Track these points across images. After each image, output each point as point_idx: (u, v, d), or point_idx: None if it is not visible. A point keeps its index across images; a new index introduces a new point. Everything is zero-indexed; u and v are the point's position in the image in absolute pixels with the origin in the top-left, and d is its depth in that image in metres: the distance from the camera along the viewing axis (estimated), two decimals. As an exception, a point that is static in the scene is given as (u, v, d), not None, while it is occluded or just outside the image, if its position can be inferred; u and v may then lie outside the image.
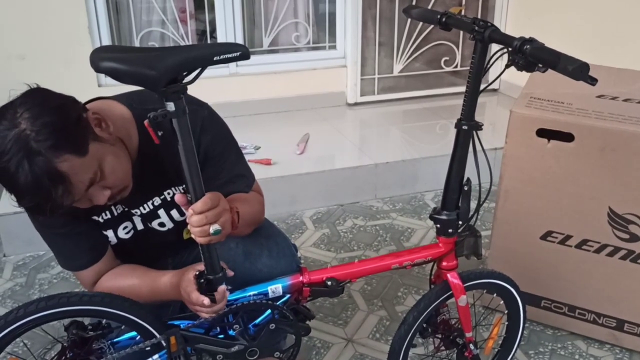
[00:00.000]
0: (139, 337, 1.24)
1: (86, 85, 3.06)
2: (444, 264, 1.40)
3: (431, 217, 1.38)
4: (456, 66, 3.71)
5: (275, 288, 1.28)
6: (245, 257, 1.35)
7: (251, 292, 1.26)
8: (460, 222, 1.35)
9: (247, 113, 3.36)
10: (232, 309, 1.23)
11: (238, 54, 1.05)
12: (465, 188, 1.32)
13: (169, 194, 1.36)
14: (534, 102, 1.76)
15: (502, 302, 1.56)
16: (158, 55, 1.02)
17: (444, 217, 1.35)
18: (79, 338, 1.21)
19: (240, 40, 3.31)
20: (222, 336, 1.26)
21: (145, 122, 1.06)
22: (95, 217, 1.31)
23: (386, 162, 2.77)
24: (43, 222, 1.26)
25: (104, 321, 1.24)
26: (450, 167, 1.33)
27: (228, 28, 3.27)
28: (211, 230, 1.07)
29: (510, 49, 1.14)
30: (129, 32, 3.21)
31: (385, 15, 3.47)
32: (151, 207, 1.34)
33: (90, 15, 3.02)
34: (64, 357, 1.21)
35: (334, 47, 3.53)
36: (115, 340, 1.25)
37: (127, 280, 1.32)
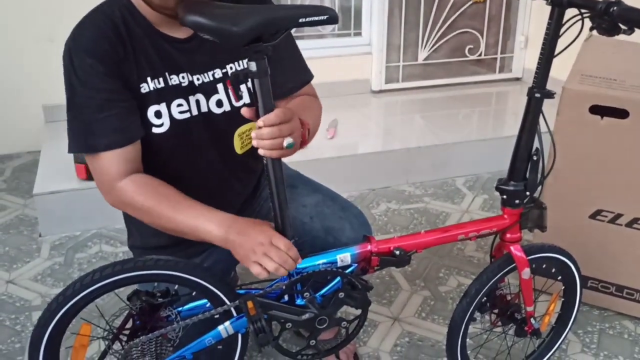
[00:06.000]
0: (207, 305, 1.23)
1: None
2: (508, 236, 1.39)
3: (497, 188, 1.36)
4: (480, 54, 3.70)
5: (344, 257, 1.26)
6: (326, 233, 1.33)
7: (320, 260, 1.25)
8: (527, 193, 1.34)
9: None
10: (304, 277, 1.21)
11: (325, 17, 1.03)
12: (535, 158, 1.31)
13: (231, 68, 1.26)
14: (586, 79, 1.75)
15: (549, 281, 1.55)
16: (243, 13, 1.01)
17: (511, 187, 1.34)
18: (147, 305, 1.20)
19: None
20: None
21: (227, 81, 1.05)
22: (145, 86, 1.18)
23: (418, 147, 2.75)
24: (87, 82, 1.12)
25: (172, 289, 1.22)
26: (520, 136, 1.32)
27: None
28: (285, 144, 1.03)
29: (593, 12, 1.12)
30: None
31: (412, 3, 3.45)
32: (211, 77, 1.24)
33: None
34: (131, 324, 1.20)
35: (359, 34, 3.51)
36: (181, 308, 1.24)
37: (169, 189, 1.16)
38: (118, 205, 1.22)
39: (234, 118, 1.23)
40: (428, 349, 1.74)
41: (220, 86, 1.26)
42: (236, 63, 1.28)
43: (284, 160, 1.13)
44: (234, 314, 1.22)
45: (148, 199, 1.15)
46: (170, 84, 1.21)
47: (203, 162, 1.30)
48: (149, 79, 1.18)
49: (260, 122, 1.03)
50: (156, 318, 1.20)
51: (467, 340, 1.46)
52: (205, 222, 1.14)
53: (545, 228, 1.40)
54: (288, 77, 1.34)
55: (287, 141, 1.04)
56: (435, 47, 3.59)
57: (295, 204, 1.38)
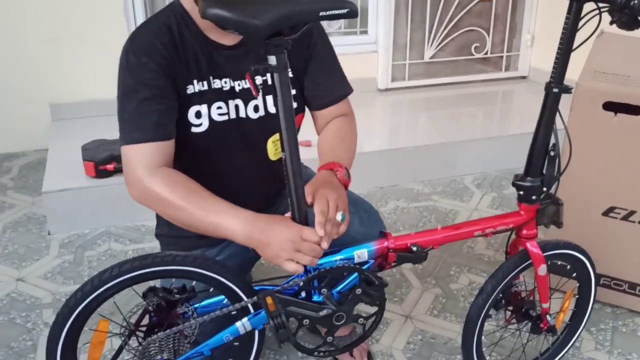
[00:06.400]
0: (224, 302, 1.22)
1: (120, 67, 3.04)
2: (524, 232, 1.38)
3: (514, 184, 1.36)
4: (486, 53, 3.69)
5: (361, 253, 1.26)
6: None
7: (337, 257, 1.24)
8: (544, 189, 1.33)
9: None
10: (321, 273, 1.21)
11: (346, 11, 1.03)
12: (552, 153, 1.30)
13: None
14: (600, 75, 1.75)
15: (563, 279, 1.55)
16: (264, 6, 1.00)
17: (527, 183, 1.33)
18: (164, 301, 1.20)
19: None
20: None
21: (247, 74, 1.05)
22: (191, 88, 1.25)
23: (426, 145, 2.75)
24: (139, 78, 1.19)
25: (189, 285, 1.22)
26: (537, 131, 1.31)
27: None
28: (339, 219, 1.16)
29: (612, 6, 1.12)
30: (162, 14, 3.18)
31: (418, 1, 3.45)
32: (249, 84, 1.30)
33: (127, -2, 3.00)
34: (148, 321, 1.20)
35: (365, 33, 3.50)
36: (197, 305, 1.23)
37: (196, 185, 1.19)
38: (143, 198, 1.22)
39: (269, 124, 1.33)
40: (441, 346, 1.73)
41: (259, 93, 1.34)
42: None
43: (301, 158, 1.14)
44: (251, 310, 1.21)
45: (174, 192, 1.16)
46: (212, 87, 1.28)
47: (235, 163, 1.35)
48: (195, 81, 1.26)
49: (318, 225, 1.13)
50: (173, 315, 1.20)
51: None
52: (229, 219, 1.15)
53: (561, 224, 1.39)
54: (328, 90, 1.40)
55: (340, 216, 1.17)
56: (441, 45, 3.58)
57: None
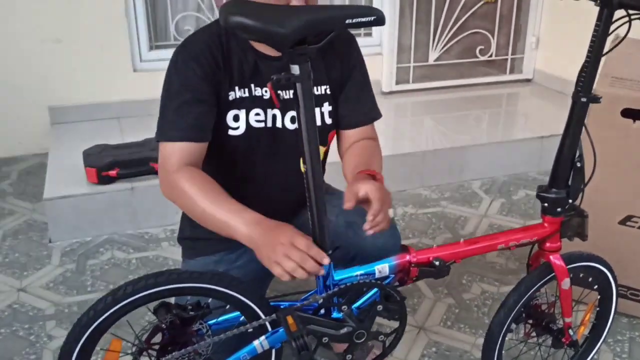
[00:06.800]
0: (241, 319, 1.17)
1: (122, 70, 3.00)
2: (548, 245, 1.34)
3: (538, 196, 1.32)
4: (491, 55, 3.66)
5: (382, 268, 1.21)
6: (347, 227, 1.34)
7: (358, 272, 1.20)
8: (570, 201, 1.29)
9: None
10: (342, 289, 1.16)
11: (373, 18, 0.98)
12: (578, 164, 1.26)
13: (316, 89, 1.37)
14: (617, 81, 1.71)
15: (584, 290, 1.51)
16: (289, 14, 0.96)
17: (552, 195, 1.29)
18: (178, 319, 1.15)
19: (276, 26, 3.23)
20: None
21: (268, 84, 1.02)
22: (232, 94, 1.30)
23: (434, 150, 2.71)
24: (184, 81, 1.25)
25: (204, 301, 1.17)
26: (563, 141, 1.27)
27: (265, 13, 3.19)
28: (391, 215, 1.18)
29: (645, 13, 1.08)
30: (164, 16, 3.14)
31: (423, 3, 3.41)
32: (291, 95, 1.32)
33: (128, 0, 2.94)
34: (161, 339, 1.15)
35: (369, 35, 3.46)
36: (212, 322, 1.19)
37: (214, 184, 1.22)
38: (169, 193, 1.26)
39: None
40: (456, 359, 1.69)
41: None
42: (316, 88, 1.37)
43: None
44: (269, 328, 1.17)
45: (192, 186, 1.21)
46: (253, 94, 1.32)
47: (267, 170, 1.38)
48: (237, 87, 1.31)
49: (374, 211, 1.14)
50: (187, 332, 1.15)
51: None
52: (236, 219, 1.16)
53: (586, 237, 1.35)
54: (359, 111, 1.43)
55: (390, 212, 1.18)
56: (446, 47, 3.55)
57: (328, 205, 1.35)
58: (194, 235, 1.47)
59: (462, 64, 3.64)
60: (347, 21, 0.97)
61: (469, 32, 3.56)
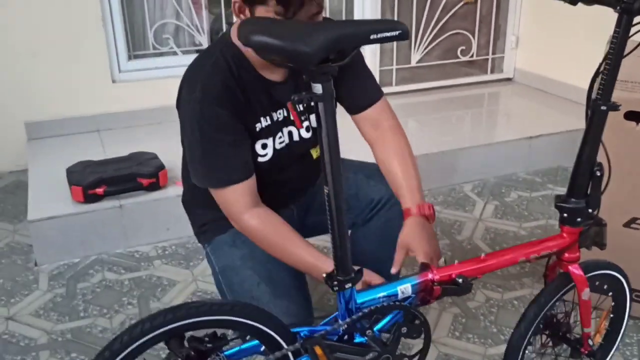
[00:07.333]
0: (262, 349, 1.12)
1: (100, 81, 2.91)
2: (566, 255, 1.31)
3: (557, 206, 1.29)
4: (472, 56, 3.65)
5: (404, 288, 1.17)
6: (368, 179, 1.55)
7: (380, 293, 1.15)
8: (590, 210, 1.27)
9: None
10: (366, 313, 1.12)
11: (397, 33, 0.94)
12: (598, 173, 1.24)
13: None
14: (619, 84, 1.69)
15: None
16: (311, 31, 0.91)
17: (571, 205, 1.27)
18: (194, 351, 1.09)
19: (257, 32, 3.17)
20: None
21: (288, 103, 0.98)
22: (259, 125, 1.36)
23: (425, 154, 2.68)
24: (218, 127, 1.28)
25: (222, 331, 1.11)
26: (581, 150, 1.24)
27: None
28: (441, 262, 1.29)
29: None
30: (142, 25, 3.04)
31: (404, 5, 3.39)
32: (302, 107, 1.42)
33: (104, 9, 2.84)
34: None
35: (351, 38, 3.42)
36: (229, 352, 1.13)
37: (287, 228, 1.33)
38: (243, 232, 1.36)
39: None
40: (468, 371, 1.66)
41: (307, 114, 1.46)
42: None
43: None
44: (291, 358, 1.12)
45: (273, 235, 1.33)
46: (274, 120, 1.39)
47: (288, 174, 1.48)
48: (262, 118, 1.37)
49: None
50: (204, 365, 1.09)
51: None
52: (325, 264, 1.25)
53: (605, 246, 1.33)
54: (364, 92, 1.48)
55: (440, 262, 1.30)
56: (427, 49, 3.53)
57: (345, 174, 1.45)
58: (205, 221, 1.55)
59: (444, 65, 3.63)
60: (372, 37, 0.93)
61: (450, 33, 3.55)
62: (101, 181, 2.21)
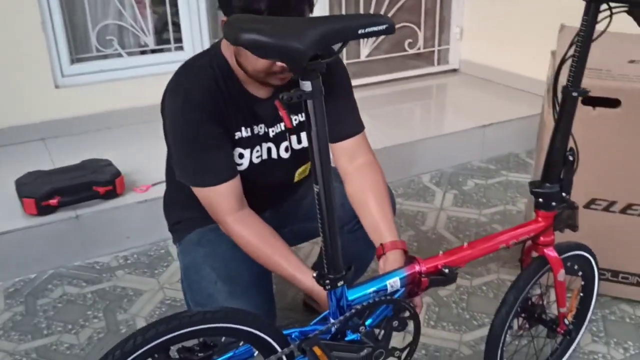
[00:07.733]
0: (255, 354, 1.10)
1: (43, 86, 2.77)
2: (542, 239, 1.35)
3: (532, 192, 1.32)
4: (419, 48, 3.70)
5: (393, 282, 1.17)
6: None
7: (370, 289, 1.15)
8: (563, 194, 1.30)
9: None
10: (359, 310, 1.11)
11: (384, 27, 0.93)
12: (571, 158, 1.28)
13: (301, 116, 1.43)
14: (574, 70, 1.75)
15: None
16: (304, 27, 0.89)
17: (546, 190, 1.30)
18: (185, 361, 1.05)
19: (205, 33, 3.11)
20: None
21: (276, 102, 0.96)
22: (239, 134, 1.38)
23: (383, 148, 2.70)
24: (199, 132, 1.30)
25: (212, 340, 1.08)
26: (554, 136, 1.28)
27: (193, 19, 3.06)
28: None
29: (631, 7, 1.09)
30: (84, 27, 2.93)
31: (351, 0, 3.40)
32: (282, 128, 1.44)
33: (44, 12, 2.71)
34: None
35: (299, 34, 3.40)
36: (221, 359, 1.10)
37: (275, 237, 1.35)
38: (230, 236, 1.36)
39: (298, 158, 1.49)
40: (446, 359, 1.68)
41: (293, 137, 1.47)
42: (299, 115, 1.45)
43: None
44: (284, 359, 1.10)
45: (256, 242, 1.33)
46: (255, 133, 1.41)
47: (264, 189, 1.48)
48: (242, 128, 1.39)
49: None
50: (196, 375, 1.06)
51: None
52: (304, 275, 1.29)
53: (577, 227, 1.37)
54: (346, 122, 1.45)
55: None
56: (376, 43, 3.56)
57: None
58: (179, 219, 1.57)
59: (392, 59, 3.67)
60: (359, 31, 0.92)
61: (397, 26, 3.58)
62: (54, 192, 2.11)
